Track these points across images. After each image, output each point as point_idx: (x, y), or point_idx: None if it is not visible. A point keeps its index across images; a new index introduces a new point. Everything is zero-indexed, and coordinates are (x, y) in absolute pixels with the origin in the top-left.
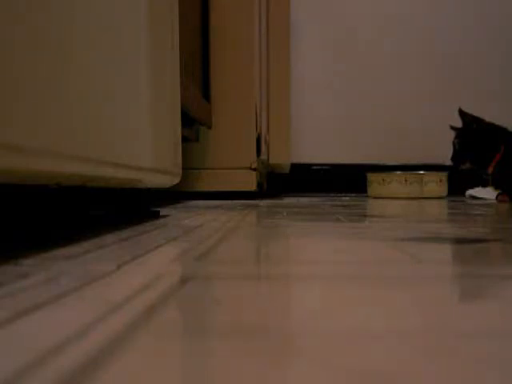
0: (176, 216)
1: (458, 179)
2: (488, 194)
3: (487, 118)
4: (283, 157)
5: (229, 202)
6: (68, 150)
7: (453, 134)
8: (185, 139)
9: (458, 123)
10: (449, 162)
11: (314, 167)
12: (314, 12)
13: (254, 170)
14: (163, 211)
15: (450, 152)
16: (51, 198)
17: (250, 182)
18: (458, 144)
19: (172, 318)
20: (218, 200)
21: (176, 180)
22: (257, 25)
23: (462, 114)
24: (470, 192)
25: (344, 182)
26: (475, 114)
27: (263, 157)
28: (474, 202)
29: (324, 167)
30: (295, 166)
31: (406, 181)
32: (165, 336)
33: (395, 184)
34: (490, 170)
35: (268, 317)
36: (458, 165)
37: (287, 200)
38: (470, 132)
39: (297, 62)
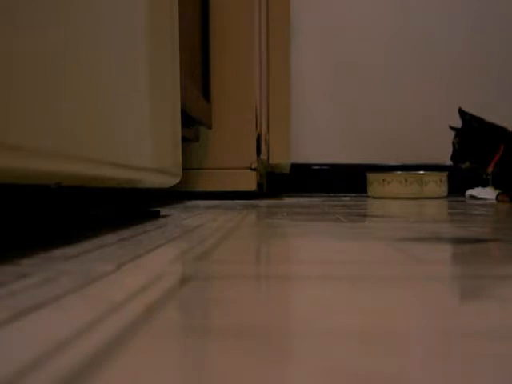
0: (176, 216)
1: (458, 179)
2: (488, 193)
3: (487, 118)
4: (283, 157)
5: (229, 202)
6: (68, 150)
7: (453, 134)
8: (185, 139)
9: (458, 123)
10: (449, 162)
11: (314, 167)
12: (314, 12)
13: (254, 169)
14: (163, 211)
15: (450, 152)
16: (51, 197)
17: (249, 182)
18: (458, 143)
19: (172, 318)
20: (217, 200)
21: (176, 180)
22: (257, 25)
23: (461, 113)
24: (469, 192)
25: (344, 182)
26: (475, 113)
27: (263, 157)
28: (474, 202)
29: (324, 167)
30: (295, 166)
31: (405, 181)
32: (165, 336)
33: (395, 184)
34: (490, 169)
35: (268, 317)
36: (457, 164)
37: (287, 200)
38: (469, 131)
39: (297, 62)
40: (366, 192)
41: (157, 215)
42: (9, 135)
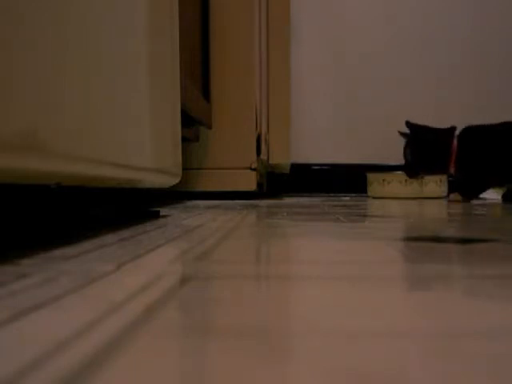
0: (176, 216)
1: None
2: (488, 193)
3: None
4: (283, 157)
5: (229, 202)
6: (68, 149)
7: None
8: (185, 139)
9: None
10: None
11: (314, 167)
12: (314, 12)
13: (254, 169)
14: (163, 211)
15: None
16: (51, 197)
17: (249, 182)
18: (410, 154)
19: (172, 318)
20: (217, 200)
21: (176, 180)
22: (257, 25)
23: (408, 125)
24: None
25: (344, 181)
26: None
27: (263, 157)
28: (474, 201)
29: (324, 167)
30: (295, 166)
31: (405, 181)
32: (165, 336)
33: (395, 184)
34: (452, 170)
35: (268, 317)
36: (412, 176)
37: (287, 200)
38: (420, 142)
39: (297, 62)
40: (366, 192)
41: (157, 215)
42: (9, 135)
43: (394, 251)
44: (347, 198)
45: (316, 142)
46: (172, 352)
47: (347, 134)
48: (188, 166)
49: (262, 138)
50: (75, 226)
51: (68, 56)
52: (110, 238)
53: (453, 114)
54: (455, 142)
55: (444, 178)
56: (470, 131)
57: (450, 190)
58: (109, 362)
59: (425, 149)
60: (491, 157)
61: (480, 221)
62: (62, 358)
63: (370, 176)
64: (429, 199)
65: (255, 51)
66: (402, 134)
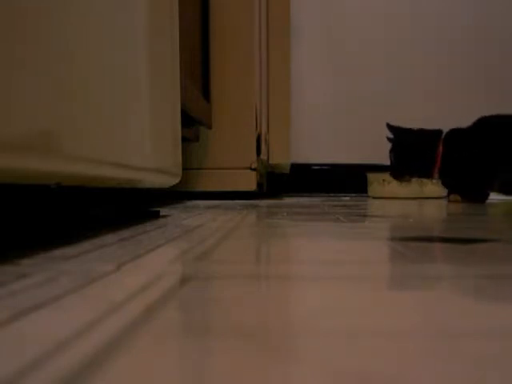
0: (176, 216)
1: None
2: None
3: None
4: (283, 157)
5: (229, 202)
6: (68, 149)
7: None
8: (185, 139)
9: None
10: None
11: (314, 167)
12: (314, 12)
13: (254, 169)
14: (163, 211)
15: None
16: (51, 197)
17: (249, 182)
18: (394, 157)
19: (172, 318)
20: (217, 200)
21: (176, 180)
22: (257, 25)
23: (390, 128)
24: None
25: (344, 182)
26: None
27: (263, 157)
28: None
29: (324, 167)
30: (295, 166)
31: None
32: (165, 336)
33: (395, 184)
34: (436, 175)
35: (268, 317)
36: (397, 177)
37: (287, 200)
38: (402, 145)
39: (297, 62)
40: (366, 192)
41: (157, 215)
42: (9, 135)
43: (393, 251)
44: (347, 198)
45: (316, 142)
46: (172, 352)
47: (347, 134)
48: (188, 166)
49: (262, 137)
50: (75, 225)
51: (68, 56)
52: (110, 237)
53: (453, 114)
54: (440, 146)
55: None
56: (455, 134)
57: (450, 190)
58: (109, 362)
59: (407, 151)
60: (480, 156)
61: (480, 221)
62: (62, 358)
63: (370, 176)
64: (429, 199)
65: (255, 51)
66: (389, 139)
